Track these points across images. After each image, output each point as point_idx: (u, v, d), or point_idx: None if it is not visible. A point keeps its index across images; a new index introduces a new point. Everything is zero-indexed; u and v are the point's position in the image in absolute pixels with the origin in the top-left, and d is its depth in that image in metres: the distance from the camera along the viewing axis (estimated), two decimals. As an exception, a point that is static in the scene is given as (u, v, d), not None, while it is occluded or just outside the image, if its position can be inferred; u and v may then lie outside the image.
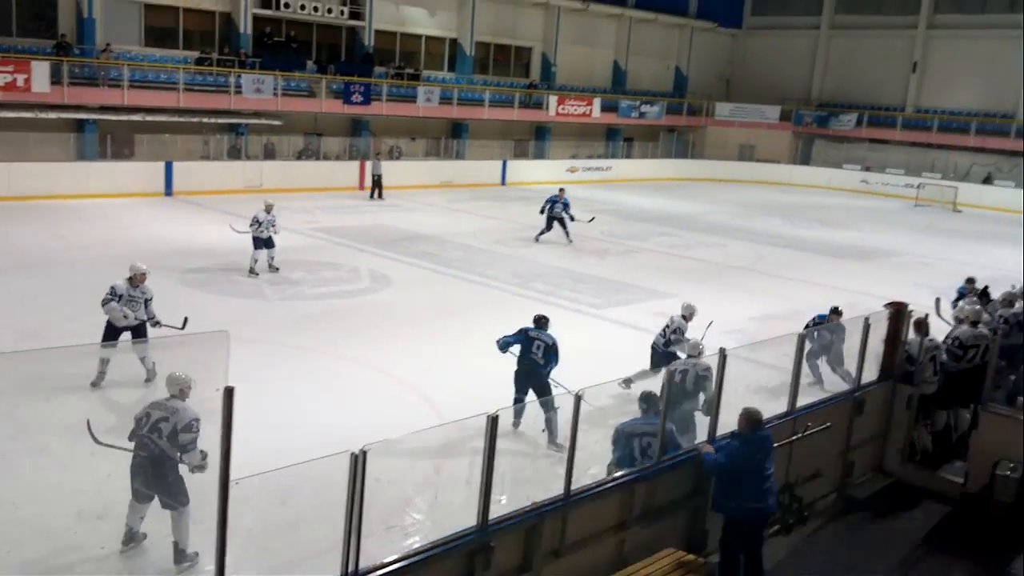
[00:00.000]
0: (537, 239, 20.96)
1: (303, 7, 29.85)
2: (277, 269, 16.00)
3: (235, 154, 27.76)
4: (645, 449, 6.84)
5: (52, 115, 23.80)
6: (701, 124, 42.51)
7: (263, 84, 27.23)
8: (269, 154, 28.76)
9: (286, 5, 29.44)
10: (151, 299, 10.02)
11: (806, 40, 43.59)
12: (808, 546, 7.88)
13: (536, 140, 36.56)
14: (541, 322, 9.69)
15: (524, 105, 35.38)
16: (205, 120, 26.88)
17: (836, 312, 11.29)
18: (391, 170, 29.17)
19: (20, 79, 22.57)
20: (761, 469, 6.65)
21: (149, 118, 25.49)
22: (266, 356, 11.11)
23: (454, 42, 35.35)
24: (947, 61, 39.51)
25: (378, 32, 32.44)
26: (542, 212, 21.17)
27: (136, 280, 9.88)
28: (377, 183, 27.38)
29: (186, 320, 9.98)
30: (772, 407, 8.64)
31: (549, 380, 9.23)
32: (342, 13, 31.03)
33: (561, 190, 21.68)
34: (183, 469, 6.29)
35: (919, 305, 9.98)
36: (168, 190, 24.77)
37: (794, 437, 8.12)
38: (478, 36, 35.53)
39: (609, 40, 40.88)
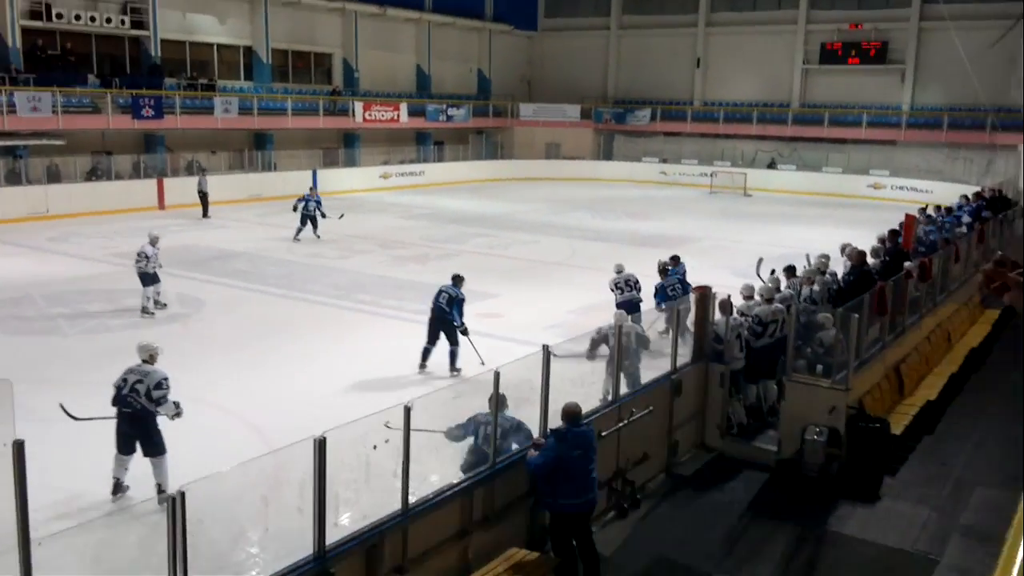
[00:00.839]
0: (296, 238, 21.82)
1: (78, 17, 27.80)
2: (165, 305, 14.81)
3: (14, 179, 25.43)
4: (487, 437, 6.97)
5: None
6: (507, 125, 43.33)
7: (39, 101, 25.13)
8: (54, 177, 26.55)
9: (59, 16, 27.33)
10: None
11: (598, 40, 45.43)
12: (643, 527, 8.15)
13: (346, 148, 35.93)
14: (455, 279, 12.20)
15: (329, 112, 34.67)
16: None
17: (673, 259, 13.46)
18: (193, 185, 27.74)
19: None
20: (581, 465, 6.77)
21: (-94, 144, 22.96)
22: (68, 397, 10.19)
23: (249, 50, 34.07)
24: (726, 56, 42.36)
25: (165, 41, 30.70)
26: (295, 210, 22.25)
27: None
28: (204, 200, 26.12)
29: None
30: (597, 397, 8.93)
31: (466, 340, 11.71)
32: (123, 23, 29.17)
33: (312, 188, 23.86)
34: (161, 422, 7.78)
35: (722, 287, 10.57)
36: (-64, 222, 22.38)
37: (621, 424, 8.38)
38: (274, 43, 34.43)
39: (410, 44, 40.82)
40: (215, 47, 33.11)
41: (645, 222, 27.59)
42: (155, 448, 7.82)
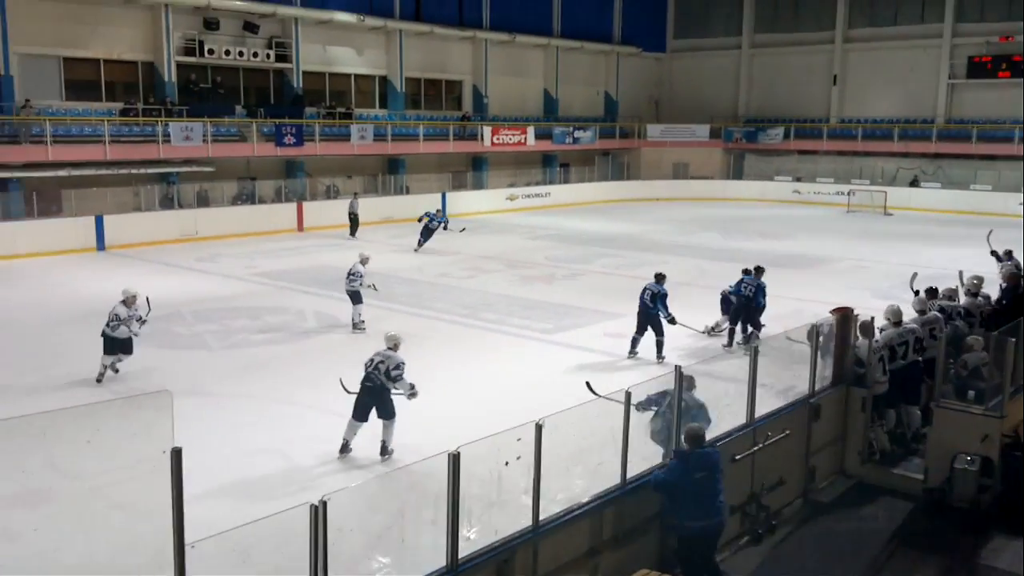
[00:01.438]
0: (416, 249, 23.74)
1: (228, 53, 29.56)
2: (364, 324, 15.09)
3: (168, 203, 27.20)
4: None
5: (-28, 176, 23.11)
6: (634, 146, 43.11)
7: (192, 131, 26.80)
8: (203, 201, 28.25)
9: (210, 51, 29.12)
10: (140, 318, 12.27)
11: (729, 59, 44.68)
12: (778, 554, 7.86)
13: (473, 171, 36.64)
14: (657, 276, 13.57)
15: (459, 137, 35.46)
16: (134, 171, 26.32)
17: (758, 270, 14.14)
18: (330, 209, 28.94)
19: (-63, 140, 21.85)
20: (705, 486, 6.69)
21: (75, 172, 24.85)
22: (213, 408, 10.77)
23: (384, 79, 35.33)
24: (865, 72, 40.84)
25: (306, 73, 32.25)
26: (419, 221, 24.27)
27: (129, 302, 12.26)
28: (354, 222, 27.71)
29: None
30: (733, 420, 8.68)
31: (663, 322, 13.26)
32: (268, 57, 30.81)
33: (438, 210, 25.90)
34: (398, 400, 9.58)
35: (862, 308, 10.12)
36: (100, 245, 24.10)
37: (755, 448, 8.12)
38: (408, 72, 35.58)
39: (538, 69, 41.33)
40: (352, 77, 34.49)
41: (778, 242, 26.80)
42: (387, 413, 9.59)
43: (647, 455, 7.67)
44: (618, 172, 42.37)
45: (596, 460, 7.32)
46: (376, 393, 9.59)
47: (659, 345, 13.34)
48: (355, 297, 15.11)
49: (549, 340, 14.70)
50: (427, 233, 23.98)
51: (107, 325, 12.15)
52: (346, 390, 9.73)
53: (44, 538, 6.23)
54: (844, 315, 9.69)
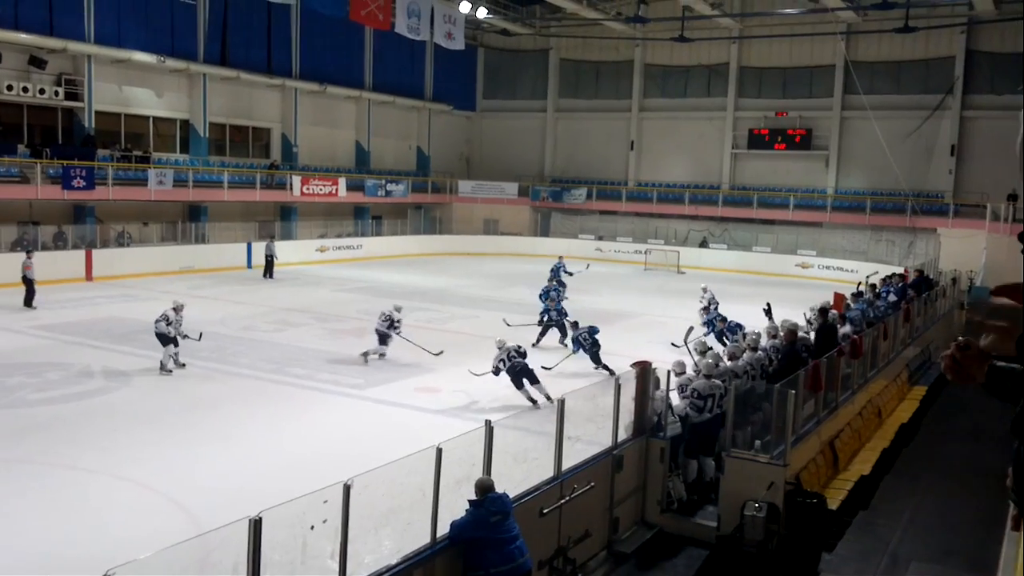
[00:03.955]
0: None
1: (10, 88, 27.34)
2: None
3: (-67, 248, 24.57)
4: None
5: None
6: (446, 201, 43.71)
7: (-34, 170, 24.47)
8: (-25, 247, 25.73)
9: (-10, 85, 26.88)
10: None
11: (535, 122, 46.55)
12: (585, 608, 7.99)
13: (282, 220, 35.68)
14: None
15: (267, 186, 34.53)
16: None
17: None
18: (123, 257, 27.20)
19: None
20: (503, 529, 6.85)
21: None
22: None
23: (186, 123, 33.89)
24: (659, 139, 43.78)
25: (99, 113, 30.35)
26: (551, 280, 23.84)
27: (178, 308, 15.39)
28: (270, 263, 29.20)
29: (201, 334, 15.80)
30: (538, 473, 8.82)
31: None
32: (56, 94, 28.78)
33: (560, 257, 25.98)
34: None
35: (659, 361, 10.65)
36: None
37: (562, 501, 8.28)
38: (212, 117, 34.35)
39: (350, 120, 41.16)
40: (151, 119, 32.86)
41: (583, 296, 27.79)
42: None
43: (457, 511, 7.64)
44: (430, 226, 42.72)
45: (406, 519, 7.20)
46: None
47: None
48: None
49: (360, 396, 14.42)
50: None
51: (155, 323, 15.16)
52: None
53: None
54: (643, 368, 10.15)
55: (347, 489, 6.02)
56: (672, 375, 10.66)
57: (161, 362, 15.29)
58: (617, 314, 24.63)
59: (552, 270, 25.78)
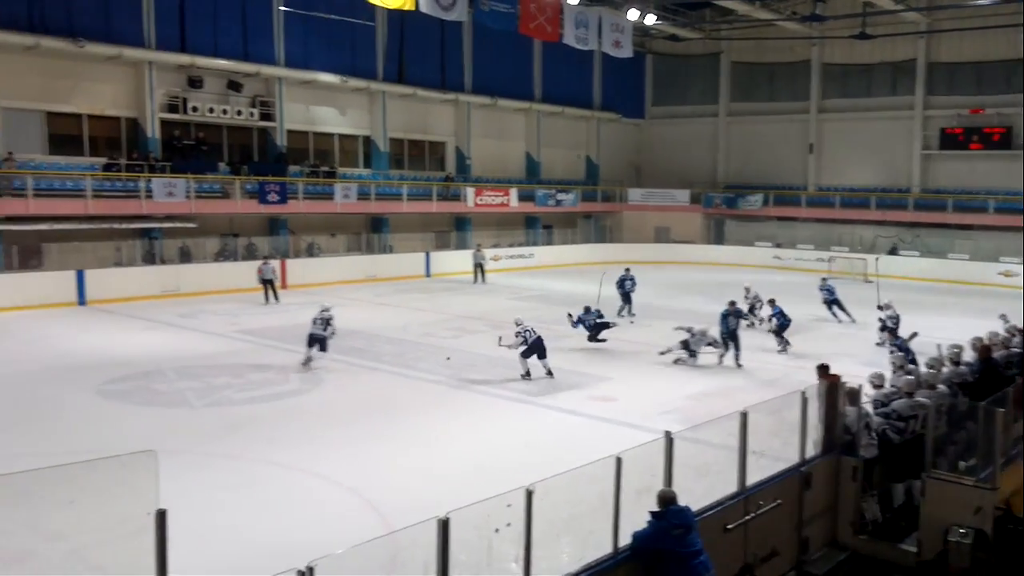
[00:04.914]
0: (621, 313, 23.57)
1: (211, 110, 29.72)
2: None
3: (150, 259, 27.01)
4: None
5: (-49, 228, 22.86)
6: (616, 210, 43.57)
7: (175, 187, 26.77)
8: (185, 257, 28.08)
9: (194, 109, 29.27)
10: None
11: (707, 127, 45.57)
12: (773, 629, 7.67)
13: (457, 231, 36.78)
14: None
15: (442, 197, 35.68)
16: (116, 226, 26.16)
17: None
18: (312, 267, 28.87)
19: (-83, 192, 21.57)
20: (685, 543, 6.65)
21: (57, 226, 24.66)
22: (195, 468, 10.51)
23: (368, 139, 35.62)
24: (840, 141, 41.73)
25: (290, 132, 32.47)
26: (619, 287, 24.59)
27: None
28: (481, 270, 31.35)
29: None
30: (721, 488, 8.55)
31: None
32: (252, 115, 31.02)
33: (627, 269, 25.61)
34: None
35: (849, 376, 10.09)
36: (81, 299, 23.85)
37: (747, 517, 8.00)
38: (391, 133, 35.92)
39: (520, 132, 41.88)
40: (336, 137, 34.77)
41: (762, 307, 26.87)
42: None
43: (638, 522, 7.53)
44: (600, 235, 42.71)
45: (587, 528, 7.16)
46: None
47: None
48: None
49: (535, 403, 14.55)
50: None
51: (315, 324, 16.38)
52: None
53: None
54: (832, 383, 9.66)
55: (529, 494, 6.06)
56: (870, 386, 10.09)
57: (309, 358, 16.31)
58: (798, 324, 23.59)
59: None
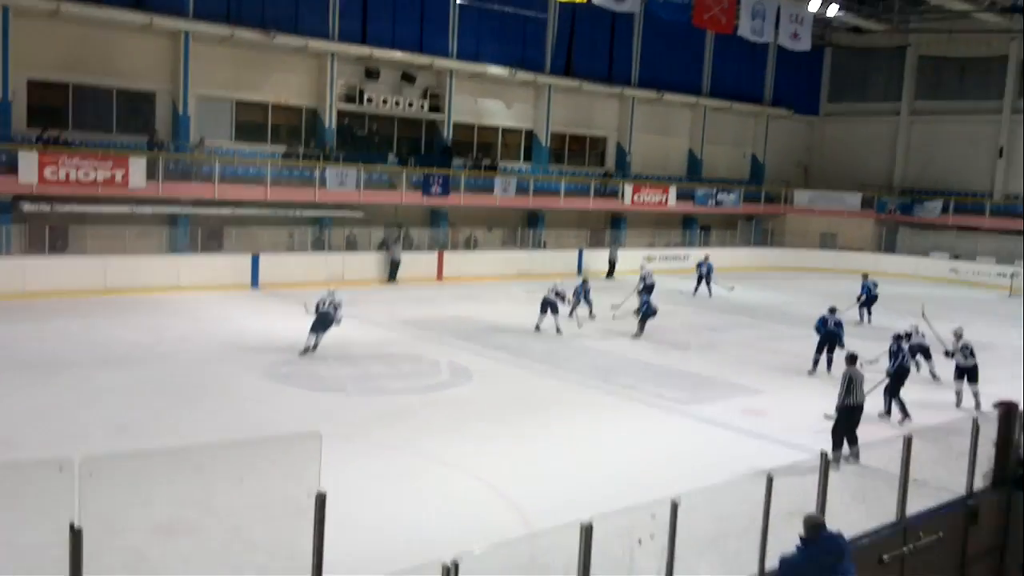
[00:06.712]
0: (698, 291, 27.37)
1: (385, 102, 30.90)
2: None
3: (319, 246, 28.44)
4: None
5: (147, 209, 24.83)
6: (780, 212, 41.99)
7: (346, 177, 28.00)
8: (351, 246, 29.38)
9: (369, 100, 30.52)
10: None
11: (886, 126, 43.12)
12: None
13: (612, 228, 36.60)
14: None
15: (599, 194, 35.57)
16: (290, 213, 27.68)
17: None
18: (469, 260, 29.53)
19: (118, 174, 23.38)
20: (838, 572, 6.36)
21: (238, 211, 26.37)
22: (349, 454, 10.99)
23: (530, 133, 36.00)
24: (1037, 146, 38.49)
25: (457, 125, 33.26)
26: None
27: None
28: (612, 266, 32.55)
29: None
30: (877, 516, 8.13)
31: None
32: (422, 107, 32.02)
33: (706, 256, 27.66)
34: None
35: (1029, 404, 9.36)
36: (255, 283, 25.36)
37: (905, 549, 7.59)
38: (553, 127, 36.12)
39: (684, 128, 41.12)
40: (500, 130, 35.34)
41: (934, 323, 25.23)
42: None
43: (786, 545, 7.29)
44: (761, 238, 41.36)
45: (733, 547, 7.00)
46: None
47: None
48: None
49: (683, 411, 14.32)
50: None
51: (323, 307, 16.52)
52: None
53: (176, 571, 6.43)
54: (1008, 410, 9.01)
55: (675, 507, 6.00)
56: None
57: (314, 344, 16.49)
58: (975, 344, 22.00)
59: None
